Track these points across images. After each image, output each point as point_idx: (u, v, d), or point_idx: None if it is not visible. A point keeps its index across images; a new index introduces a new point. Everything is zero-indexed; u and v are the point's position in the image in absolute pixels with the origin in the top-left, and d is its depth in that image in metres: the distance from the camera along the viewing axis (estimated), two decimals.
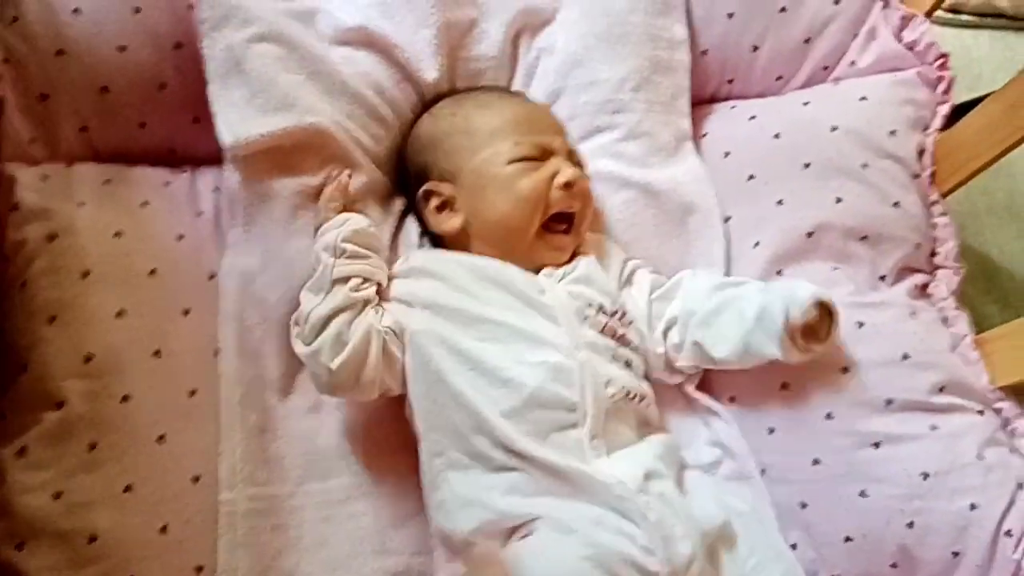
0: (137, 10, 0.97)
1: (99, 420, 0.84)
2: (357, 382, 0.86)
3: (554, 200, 0.93)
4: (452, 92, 1.06)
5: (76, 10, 0.95)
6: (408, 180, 1.02)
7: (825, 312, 0.89)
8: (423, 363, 0.88)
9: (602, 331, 0.92)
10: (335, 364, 0.84)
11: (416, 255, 0.97)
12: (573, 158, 0.98)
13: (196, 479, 0.87)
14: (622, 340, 0.94)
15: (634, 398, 0.90)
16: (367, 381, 0.86)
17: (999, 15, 1.67)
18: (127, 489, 0.82)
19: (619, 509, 0.79)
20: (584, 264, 0.96)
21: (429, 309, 0.90)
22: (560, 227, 0.95)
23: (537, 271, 0.95)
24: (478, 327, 0.88)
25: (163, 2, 0.98)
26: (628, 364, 0.92)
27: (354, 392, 0.88)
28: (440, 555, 0.88)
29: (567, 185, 0.93)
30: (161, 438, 0.86)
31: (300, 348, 0.87)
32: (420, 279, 0.93)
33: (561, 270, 0.95)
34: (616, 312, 0.95)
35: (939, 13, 1.62)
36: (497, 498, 0.82)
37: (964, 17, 1.67)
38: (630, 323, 0.96)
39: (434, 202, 0.97)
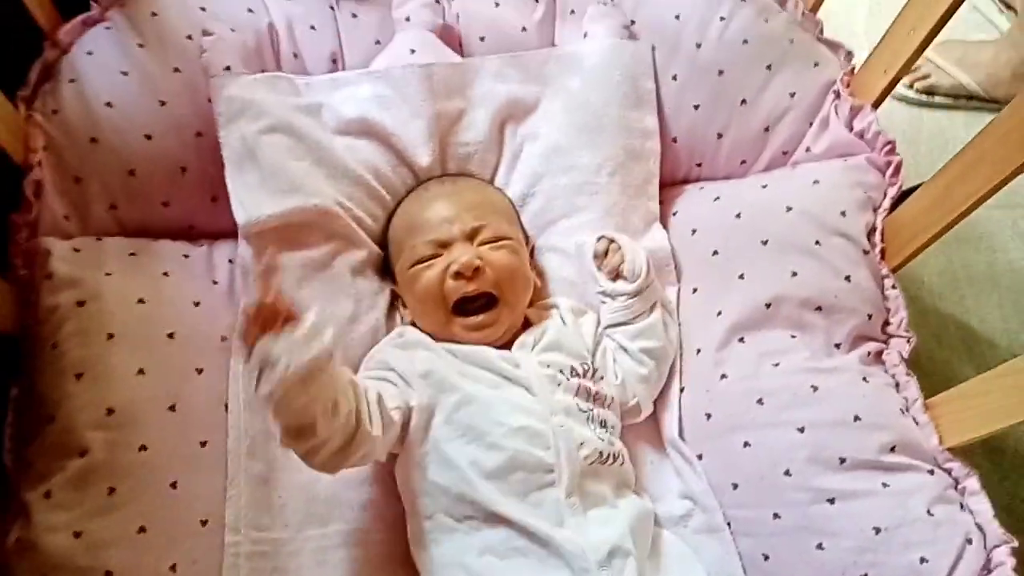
0: (163, 103, 1.08)
1: (118, 467, 0.91)
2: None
3: (450, 290, 1.01)
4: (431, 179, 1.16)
5: (108, 103, 1.06)
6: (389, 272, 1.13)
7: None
8: (422, 433, 0.95)
9: (576, 393, 0.99)
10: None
11: (409, 331, 1.05)
12: (480, 235, 1.04)
13: (204, 523, 0.93)
14: (596, 398, 1.01)
15: (607, 459, 0.96)
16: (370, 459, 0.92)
17: (971, 97, 1.77)
18: (141, 530, 0.89)
19: None
20: (553, 331, 1.04)
21: (425, 380, 0.97)
22: (474, 306, 1.02)
23: (509, 345, 1.03)
24: (466, 398, 0.95)
25: (186, 96, 1.09)
26: (603, 424, 0.99)
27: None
28: None
29: (457, 275, 1.00)
30: (174, 484, 0.93)
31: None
32: (416, 351, 1.01)
33: (532, 338, 1.03)
34: (587, 372, 1.02)
35: (914, 95, 1.75)
36: (473, 559, 0.89)
37: (938, 99, 1.78)
38: (602, 378, 1.04)
39: (399, 301, 1.09)
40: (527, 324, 1.07)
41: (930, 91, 1.78)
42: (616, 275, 1.06)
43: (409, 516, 0.97)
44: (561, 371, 1.00)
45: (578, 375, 1.00)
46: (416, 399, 0.96)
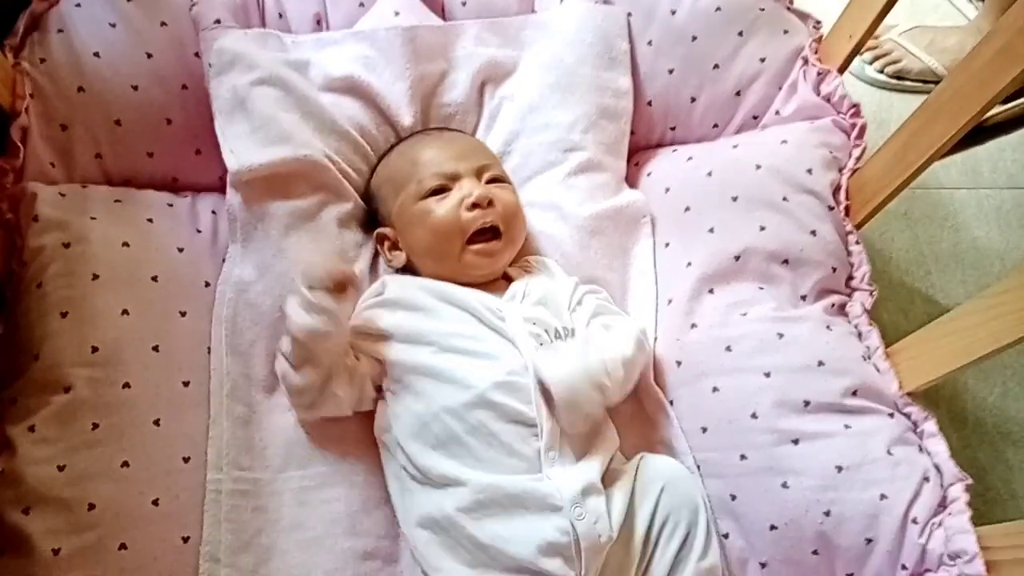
0: (149, 55, 1.10)
1: (101, 404, 0.92)
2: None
3: (467, 220, 1.03)
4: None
5: (96, 54, 1.08)
6: (370, 223, 1.15)
7: None
8: (400, 390, 0.98)
9: (550, 350, 1.00)
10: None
11: (391, 286, 1.05)
12: (486, 173, 1.08)
13: (186, 460, 0.95)
14: None
15: (589, 417, 0.97)
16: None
17: (940, 81, 1.81)
18: (124, 465, 0.90)
19: (554, 520, 0.89)
20: (540, 286, 1.06)
21: (406, 342, 0.99)
22: (484, 237, 1.05)
23: (506, 280, 1.07)
24: (447, 348, 0.97)
25: (172, 49, 1.12)
26: None
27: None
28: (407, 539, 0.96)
29: (474, 205, 1.03)
30: (156, 422, 0.94)
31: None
32: (395, 311, 1.02)
33: (521, 290, 1.05)
34: (567, 334, 1.03)
35: (886, 79, 1.81)
36: (443, 514, 0.91)
37: (908, 83, 1.83)
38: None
39: (386, 244, 1.10)
40: (508, 278, 1.09)
41: (900, 75, 1.83)
42: None
43: (384, 464, 1.00)
44: (546, 330, 1.01)
45: (560, 337, 1.02)
46: (393, 355, 0.98)
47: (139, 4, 1.11)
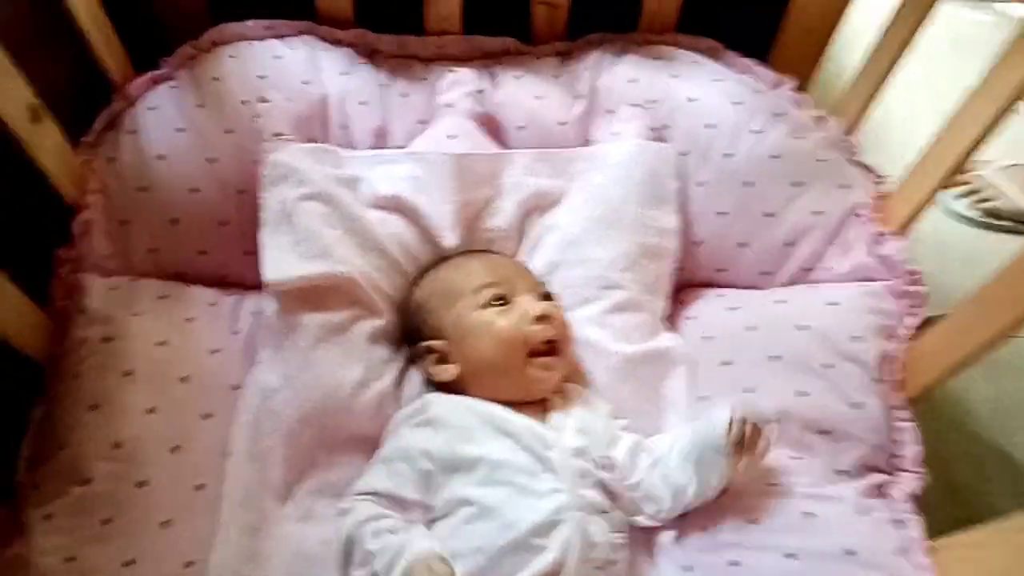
0: (211, 160, 1.16)
1: (116, 500, 0.94)
2: None
3: (531, 333, 1.04)
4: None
5: (161, 156, 1.15)
6: (407, 339, 1.15)
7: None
8: (438, 522, 0.96)
9: (597, 488, 0.98)
10: None
11: (432, 405, 1.03)
12: (538, 290, 1.10)
13: (189, 564, 0.95)
14: (612, 496, 1.00)
15: (607, 566, 0.95)
16: None
17: None
18: (128, 563, 0.91)
19: None
20: (581, 415, 1.04)
21: (451, 470, 0.97)
22: (544, 350, 1.04)
23: (543, 407, 1.05)
24: (492, 480, 0.95)
25: (234, 156, 1.16)
26: (616, 528, 0.98)
27: None
28: None
29: (540, 318, 1.04)
30: (165, 523, 0.95)
31: None
32: (437, 431, 1.01)
33: (565, 419, 1.03)
34: (609, 466, 1.01)
35: (977, 216, 1.76)
36: None
37: (1001, 222, 1.78)
38: (621, 479, 1.02)
39: (433, 356, 1.09)
40: (546, 407, 1.07)
41: (995, 214, 1.78)
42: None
43: None
44: (591, 461, 0.99)
45: (605, 468, 1.00)
46: (436, 485, 0.97)
47: (209, 111, 1.17)
